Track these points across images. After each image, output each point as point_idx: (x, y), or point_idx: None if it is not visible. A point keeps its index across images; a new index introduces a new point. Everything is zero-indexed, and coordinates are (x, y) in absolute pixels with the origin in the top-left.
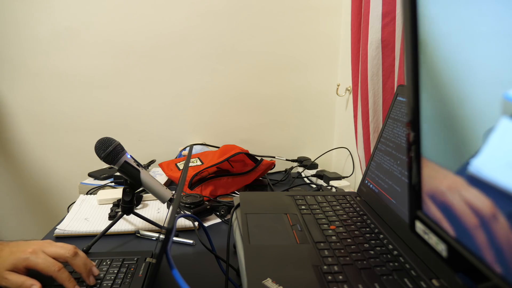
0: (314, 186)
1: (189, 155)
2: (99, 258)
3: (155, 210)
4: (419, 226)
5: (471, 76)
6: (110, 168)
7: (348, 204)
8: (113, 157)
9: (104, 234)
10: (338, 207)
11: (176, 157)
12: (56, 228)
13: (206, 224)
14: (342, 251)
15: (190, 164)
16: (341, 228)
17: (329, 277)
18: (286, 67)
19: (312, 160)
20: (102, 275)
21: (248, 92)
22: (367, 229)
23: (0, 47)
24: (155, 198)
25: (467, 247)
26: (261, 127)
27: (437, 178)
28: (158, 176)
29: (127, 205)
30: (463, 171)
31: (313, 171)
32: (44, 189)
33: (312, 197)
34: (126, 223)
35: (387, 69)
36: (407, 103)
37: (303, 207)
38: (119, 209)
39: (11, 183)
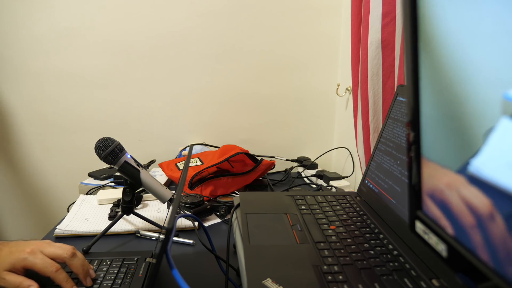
0: (314, 186)
1: (189, 155)
2: (99, 258)
3: (155, 210)
4: (419, 226)
5: (471, 76)
6: (110, 168)
7: (348, 204)
8: (113, 157)
9: (104, 234)
10: (338, 207)
11: (176, 157)
12: (56, 228)
13: (206, 224)
14: (342, 251)
15: (190, 164)
16: (341, 228)
17: (329, 277)
18: (286, 67)
19: (312, 160)
20: (102, 275)
21: (248, 92)
22: (367, 229)
23: (0, 47)
24: (155, 198)
25: (466, 246)
26: (261, 127)
27: (437, 178)
28: (158, 176)
29: (127, 205)
30: (463, 171)
31: (313, 171)
32: (44, 189)
33: (312, 197)
34: (126, 223)
35: (387, 69)
36: (407, 103)
37: (303, 207)
38: (119, 209)
39: (11, 183)
